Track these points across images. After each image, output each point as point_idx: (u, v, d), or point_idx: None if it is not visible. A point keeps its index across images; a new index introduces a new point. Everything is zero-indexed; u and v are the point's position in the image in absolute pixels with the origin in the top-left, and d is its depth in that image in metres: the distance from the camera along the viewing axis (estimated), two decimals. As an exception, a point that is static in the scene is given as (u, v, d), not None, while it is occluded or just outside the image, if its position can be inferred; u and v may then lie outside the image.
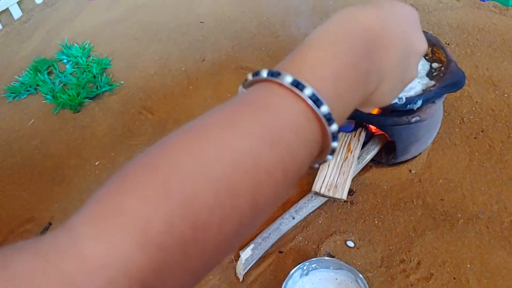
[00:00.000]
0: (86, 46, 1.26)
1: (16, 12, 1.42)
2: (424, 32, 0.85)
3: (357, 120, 0.91)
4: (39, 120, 1.15)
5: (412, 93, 0.82)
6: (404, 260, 0.84)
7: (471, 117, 1.00)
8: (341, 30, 0.37)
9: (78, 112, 1.15)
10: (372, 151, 0.93)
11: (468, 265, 0.82)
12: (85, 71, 1.19)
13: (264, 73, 0.32)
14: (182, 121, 1.07)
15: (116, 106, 1.15)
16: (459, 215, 0.88)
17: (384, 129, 0.88)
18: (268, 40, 1.23)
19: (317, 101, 0.31)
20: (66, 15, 1.40)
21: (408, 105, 0.80)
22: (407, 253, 0.84)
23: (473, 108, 1.01)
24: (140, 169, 0.28)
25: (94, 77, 1.18)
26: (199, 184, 0.27)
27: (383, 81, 0.41)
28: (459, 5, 1.22)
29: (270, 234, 0.87)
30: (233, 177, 0.28)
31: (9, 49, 1.34)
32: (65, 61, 1.25)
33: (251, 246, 0.86)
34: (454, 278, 0.81)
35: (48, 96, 1.16)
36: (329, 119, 0.32)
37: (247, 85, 0.34)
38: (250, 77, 0.33)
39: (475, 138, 0.97)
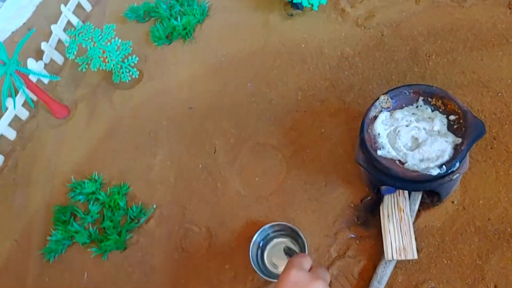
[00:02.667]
0: (96, 178, 1.26)
1: (-3, 159, 1.38)
2: (428, 85, 0.94)
3: (403, 189, 1.00)
4: (92, 271, 1.18)
5: (446, 157, 0.90)
6: (484, 289, 0.97)
7: (480, 127, 1.10)
8: None
9: (125, 249, 1.18)
10: (417, 200, 1.03)
11: (536, 273, 0.96)
12: (111, 207, 1.21)
13: None
14: (229, 225, 1.13)
15: (158, 231, 1.18)
16: (509, 229, 1.00)
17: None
18: (263, 107, 1.26)
19: None
20: (52, 146, 1.37)
21: (449, 171, 0.89)
22: (483, 281, 0.97)
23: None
24: None
25: (124, 210, 1.20)
26: None
27: None
28: (420, 8, 1.28)
29: (367, 311, 0.98)
30: None
31: (15, 204, 1.31)
32: (82, 200, 1.25)
33: (357, 328, 0.97)
34: (531, 288, 0.95)
35: (94, 249, 1.17)
36: None
37: None
38: None
39: (491, 148, 1.08)
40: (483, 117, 1.12)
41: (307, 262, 0.76)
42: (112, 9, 1.52)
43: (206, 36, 1.40)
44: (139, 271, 1.15)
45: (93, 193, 1.24)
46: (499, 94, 1.13)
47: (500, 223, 1.01)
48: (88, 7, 1.54)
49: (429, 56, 1.21)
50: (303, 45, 1.31)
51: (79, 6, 1.53)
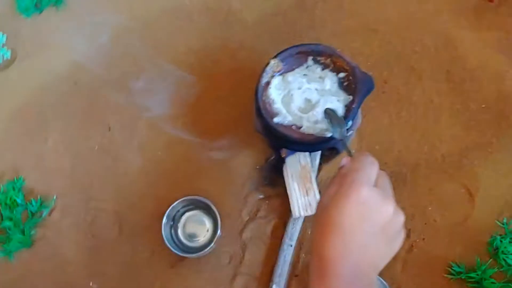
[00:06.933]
0: (-16, 176, 1.16)
1: None
2: (316, 44, 0.93)
3: (303, 151, 1.01)
4: (1, 274, 1.12)
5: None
6: (386, 230, 1.03)
7: (371, 72, 1.11)
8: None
9: (32, 246, 1.12)
10: (317, 156, 1.05)
11: (429, 208, 1.04)
12: (8, 205, 1.13)
13: None
14: (138, 205, 1.10)
15: (64, 222, 1.13)
16: (404, 170, 1.07)
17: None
18: (154, 74, 1.19)
19: None
20: None
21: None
22: (385, 222, 1.04)
23: (369, 63, 1.13)
24: None
25: (23, 205, 1.13)
26: None
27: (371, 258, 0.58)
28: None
29: (281, 269, 1.02)
30: None
31: None
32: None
33: (273, 286, 1.01)
34: (425, 223, 1.03)
35: (-4, 253, 1.11)
36: None
37: None
38: None
39: (383, 93, 1.11)
40: (373, 61, 1.13)
41: (374, 171, 0.61)
42: (-35, -22, 1.33)
43: (80, 0, 1.27)
44: (52, 265, 1.11)
45: (-20, 196, 1.15)
46: (387, 37, 1.14)
47: (396, 165, 1.07)
48: None
49: (316, 2, 1.18)
50: (187, 2, 1.23)
51: None
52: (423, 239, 1.02)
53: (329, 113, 0.88)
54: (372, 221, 0.56)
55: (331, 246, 0.56)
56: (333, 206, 0.57)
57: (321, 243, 0.57)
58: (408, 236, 1.03)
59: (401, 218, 0.59)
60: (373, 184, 0.59)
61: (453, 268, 0.98)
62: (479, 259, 0.99)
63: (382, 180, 0.62)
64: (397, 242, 0.60)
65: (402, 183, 1.05)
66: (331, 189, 0.61)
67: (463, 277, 0.97)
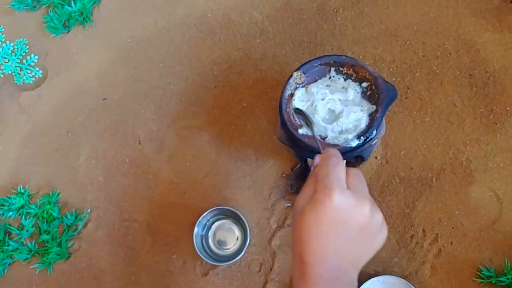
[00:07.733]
0: (22, 191, 1.21)
1: None
2: (338, 55, 0.94)
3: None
4: (41, 285, 1.17)
5: (363, 125, 0.92)
6: (413, 235, 1.05)
7: (393, 78, 1.13)
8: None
9: (69, 257, 1.16)
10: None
11: (456, 212, 1.05)
12: (45, 218, 1.17)
13: None
14: (168, 215, 1.14)
15: (99, 234, 1.17)
16: (430, 175, 1.07)
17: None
18: (180, 87, 1.22)
19: None
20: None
21: (367, 139, 0.92)
22: (412, 227, 1.05)
23: (390, 69, 1.14)
24: None
25: (59, 219, 1.17)
26: None
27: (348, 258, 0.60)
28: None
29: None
30: None
31: None
32: (13, 216, 1.20)
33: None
34: (452, 227, 1.04)
35: (37, 264, 1.15)
36: None
37: None
38: None
39: (406, 98, 1.12)
40: (396, 68, 1.14)
41: (342, 171, 0.60)
42: (-4, 0, 1.38)
43: (106, 18, 1.30)
44: (88, 276, 1.15)
45: (22, 207, 1.20)
46: (408, 42, 1.15)
47: (422, 170, 1.08)
48: (-33, 0, 1.39)
49: (336, 11, 1.19)
50: (209, 15, 1.26)
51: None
52: (451, 243, 1.03)
53: (298, 113, 0.90)
54: (348, 224, 0.57)
55: (310, 252, 0.58)
56: (308, 211, 0.58)
57: (300, 248, 0.59)
58: (436, 240, 1.04)
59: (378, 216, 0.60)
60: (344, 185, 0.59)
61: (482, 272, 0.99)
62: (508, 263, 0.99)
63: (354, 179, 0.61)
64: (379, 239, 0.61)
65: (429, 188, 1.06)
66: (306, 190, 0.62)
67: (493, 281, 0.98)
